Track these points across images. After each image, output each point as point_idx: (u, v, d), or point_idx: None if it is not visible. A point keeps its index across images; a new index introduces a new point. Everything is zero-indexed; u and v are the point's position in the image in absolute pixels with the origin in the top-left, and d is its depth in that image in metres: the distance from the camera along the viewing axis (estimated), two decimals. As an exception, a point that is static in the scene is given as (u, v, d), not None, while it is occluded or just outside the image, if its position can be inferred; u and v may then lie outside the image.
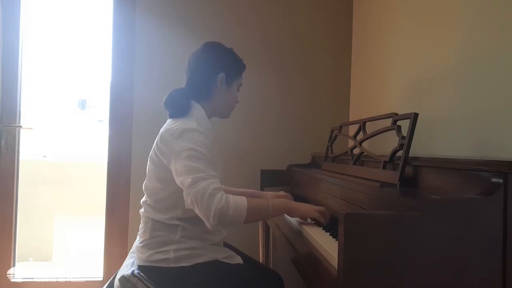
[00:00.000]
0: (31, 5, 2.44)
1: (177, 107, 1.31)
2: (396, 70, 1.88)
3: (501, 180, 0.81)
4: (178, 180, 1.15)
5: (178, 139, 1.18)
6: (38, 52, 3.30)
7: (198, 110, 1.33)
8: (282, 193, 1.64)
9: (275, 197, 1.58)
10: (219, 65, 1.36)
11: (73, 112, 4.26)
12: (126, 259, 1.41)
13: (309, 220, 1.33)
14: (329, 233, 1.14)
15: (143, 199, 1.33)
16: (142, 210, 1.33)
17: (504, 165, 0.82)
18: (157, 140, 1.27)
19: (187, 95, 1.34)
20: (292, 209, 1.28)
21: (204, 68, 1.36)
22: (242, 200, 1.13)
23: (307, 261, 1.09)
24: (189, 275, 1.21)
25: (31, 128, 2.42)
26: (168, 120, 1.32)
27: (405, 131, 1.18)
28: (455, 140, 1.40)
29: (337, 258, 0.82)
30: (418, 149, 1.45)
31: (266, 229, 2.18)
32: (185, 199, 1.13)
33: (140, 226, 1.33)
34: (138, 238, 1.34)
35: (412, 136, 1.15)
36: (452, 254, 0.80)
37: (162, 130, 1.28)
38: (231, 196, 1.12)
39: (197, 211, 1.11)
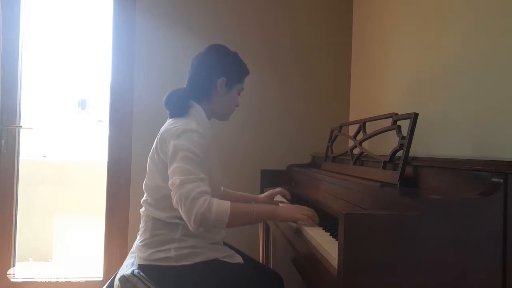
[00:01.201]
0: (31, 5, 2.44)
1: (177, 107, 1.32)
2: (396, 70, 1.88)
3: (501, 180, 0.81)
4: (169, 181, 1.16)
5: (177, 139, 1.19)
6: (38, 52, 3.30)
7: (197, 110, 1.33)
8: (277, 189, 1.67)
9: (270, 196, 1.63)
10: (220, 69, 1.36)
11: (73, 112, 4.26)
12: (126, 259, 1.41)
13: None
14: (329, 233, 1.14)
15: (144, 198, 1.34)
16: (142, 209, 1.33)
17: (504, 165, 0.82)
18: (157, 140, 1.28)
19: (187, 95, 1.35)
20: (277, 216, 1.28)
21: (205, 71, 1.37)
22: (225, 205, 1.14)
23: (307, 261, 1.09)
24: (189, 274, 1.21)
25: (31, 128, 2.42)
26: (169, 120, 1.33)
27: (405, 131, 1.18)
28: (455, 140, 1.40)
29: (337, 258, 0.82)
30: (418, 149, 1.45)
31: (266, 229, 2.18)
32: (172, 199, 1.14)
33: (141, 225, 1.33)
34: (138, 237, 1.34)
35: (412, 136, 1.16)
36: (452, 254, 0.80)
37: (162, 129, 1.29)
38: (215, 201, 1.12)
39: (180, 212, 1.12)
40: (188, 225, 1.13)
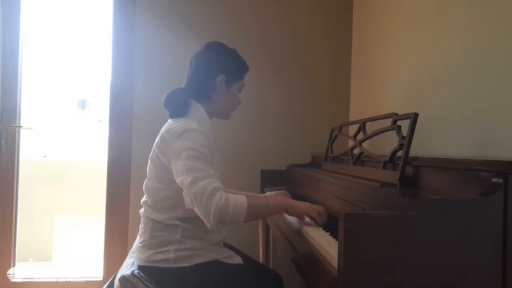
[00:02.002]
0: (31, 5, 2.44)
1: (177, 107, 1.31)
2: (396, 70, 1.88)
3: (501, 180, 0.81)
4: (178, 180, 1.15)
5: (178, 139, 1.18)
6: (38, 52, 3.30)
7: (198, 109, 1.32)
8: (280, 192, 1.64)
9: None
10: (219, 66, 1.35)
11: (73, 112, 4.26)
12: (126, 259, 1.41)
13: (309, 220, 1.33)
14: (329, 233, 1.14)
15: (143, 199, 1.33)
16: (142, 210, 1.33)
17: (504, 165, 0.82)
18: (158, 140, 1.27)
19: (186, 95, 1.33)
20: (290, 207, 1.28)
21: (204, 69, 1.35)
22: (242, 199, 1.12)
23: (307, 261, 1.09)
24: (189, 275, 1.21)
25: (31, 128, 2.42)
26: (169, 120, 1.32)
27: (405, 131, 1.18)
28: (455, 140, 1.40)
29: (337, 258, 0.82)
30: (418, 149, 1.45)
31: (266, 229, 2.18)
32: (184, 198, 1.12)
33: (140, 226, 1.33)
34: (138, 238, 1.34)
35: (412, 136, 1.15)
36: (452, 254, 0.80)
37: (162, 130, 1.28)
38: (231, 195, 1.11)
39: (196, 210, 1.10)
40: (206, 223, 1.10)
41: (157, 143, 1.27)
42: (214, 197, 1.08)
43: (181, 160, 1.14)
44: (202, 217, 1.10)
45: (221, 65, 1.35)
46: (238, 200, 1.12)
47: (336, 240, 1.05)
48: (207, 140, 1.21)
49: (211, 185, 1.09)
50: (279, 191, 1.64)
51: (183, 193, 1.13)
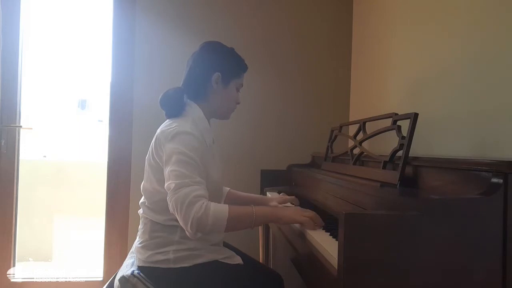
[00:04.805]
0: (31, 5, 2.44)
1: (173, 106, 1.30)
2: (396, 70, 1.88)
3: (501, 180, 0.81)
4: (165, 185, 1.15)
5: (170, 142, 1.18)
6: (38, 52, 3.30)
7: (195, 110, 1.31)
8: (288, 197, 1.60)
9: (281, 202, 1.55)
10: (214, 64, 1.33)
11: (73, 112, 4.26)
12: (126, 259, 1.41)
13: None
14: (329, 233, 1.14)
15: (141, 200, 1.33)
16: (140, 211, 1.33)
17: (504, 165, 0.82)
18: (153, 142, 1.27)
19: (182, 94, 1.32)
20: (279, 219, 1.25)
21: (199, 67, 1.33)
22: (223, 209, 1.12)
23: (307, 261, 1.09)
24: (189, 276, 1.20)
25: (31, 128, 2.42)
26: (166, 121, 1.31)
27: (405, 131, 1.18)
28: (455, 140, 1.40)
29: (337, 258, 0.82)
30: (418, 149, 1.45)
31: (266, 229, 2.18)
32: (168, 203, 1.13)
33: (139, 227, 1.33)
34: (137, 238, 1.33)
35: (412, 136, 1.15)
36: (452, 254, 0.80)
37: (158, 131, 1.27)
38: (212, 205, 1.11)
39: (177, 217, 1.11)
40: (186, 231, 1.12)
41: (152, 144, 1.27)
42: (194, 206, 1.08)
43: (170, 164, 1.15)
44: (182, 225, 1.11)
45: (217, 63, 1.33)
46: (219, 210, 1.11)
47: (336, 240, 1.05)
48: (199, 144, 1.20)
49: (193, 193, 1.09)
50: (286, 197, 1.59)
51: (167, 198, 1.13)
